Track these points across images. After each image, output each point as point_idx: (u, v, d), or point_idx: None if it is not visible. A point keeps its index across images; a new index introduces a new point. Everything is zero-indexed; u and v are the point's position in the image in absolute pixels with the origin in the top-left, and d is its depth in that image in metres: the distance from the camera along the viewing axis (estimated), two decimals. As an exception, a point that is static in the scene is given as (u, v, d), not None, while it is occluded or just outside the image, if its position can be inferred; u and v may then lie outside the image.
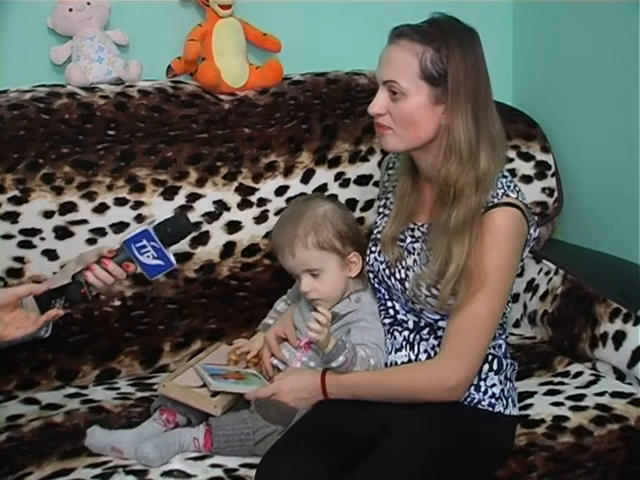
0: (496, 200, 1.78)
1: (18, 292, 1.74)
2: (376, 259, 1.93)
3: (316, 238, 1.91)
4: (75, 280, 1.76)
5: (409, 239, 1.89)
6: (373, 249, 1.95)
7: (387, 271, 1.91)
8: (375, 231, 1.98)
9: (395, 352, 1.89)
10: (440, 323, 1.86)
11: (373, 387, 1.83)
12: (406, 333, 1.90)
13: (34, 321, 1.71)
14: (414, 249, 1.87)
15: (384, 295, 1.95)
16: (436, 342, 1.87)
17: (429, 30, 1.76)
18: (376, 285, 1.96)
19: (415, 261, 1.86)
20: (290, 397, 1.83)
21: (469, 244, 1.75)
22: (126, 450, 1.80)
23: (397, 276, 1.88)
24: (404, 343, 1.89)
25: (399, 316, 1.92)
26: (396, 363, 1.88)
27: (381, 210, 2.01)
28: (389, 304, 1.94)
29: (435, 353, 1.86)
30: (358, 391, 1.82)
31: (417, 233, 1.87)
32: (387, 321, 1.93)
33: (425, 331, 1.88)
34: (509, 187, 1.81)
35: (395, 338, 1.91)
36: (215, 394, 1.86)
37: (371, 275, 1.96)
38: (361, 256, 1.96)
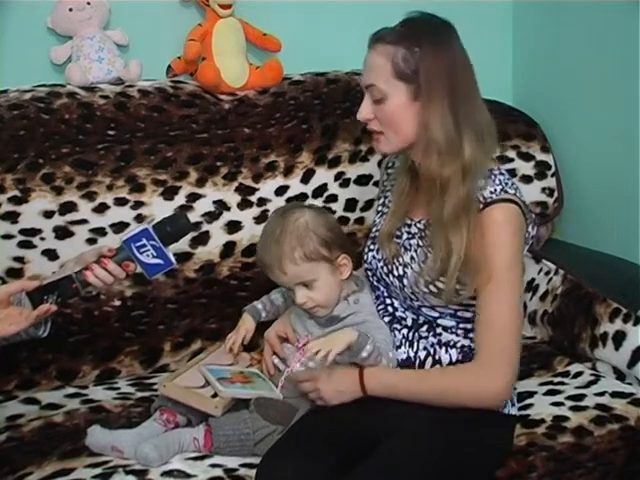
0: (494, 196, 1.78)
1: (10, 289, 1.73)
2: (374, 257, 1.94)
3: (303, 251, 1.88)
4: (69, 275, 1.76)
5: (405, 235, 1.89)
6: (371, 247, 1.95)
7: (385, 268, 1.91)
8: (374, 229, 1.98)
9: (395, 349, 1.89)
10: (439, 321, 1.86)
11: (412, 387, 1.80)
12: (405, 331, 1.90)
13: (26, 317, 1.71)
14: (410, 245, 1.87)
15: (383, 293, 1.95)
16: (435, 340, 1.87)
17: (401, 30, 1.79)
18: (375, 283, 1.96)
19: (412, 258, 1.86)
20: (330, 388, 1.81)
21: (467, 233, 1.75)
22: (126, 450, 1.80)
23: (395, 273, 1.88)
24: (403, 340, 1.89)
25: (398, 313, 1.92)
26: (396, 360, 1.88)
27: (380, 209, 2.01)
28: (388, 301, 1.94)
29: (435, 351, 1.86)
30: (400, 390, 1.80)
31: (413, 229, 1.87)
32: (386, 319, 1.93)
33: (424, 328, 1.88)
34: (507, 184, 1.81)
35: (394, 336, 1.90)
36: (216, 394, 1.86)
37: (369, 273, 1.96)
38: (349, 256, 1.96)
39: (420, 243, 1.86)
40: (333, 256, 1.92)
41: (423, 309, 1.87)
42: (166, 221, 1.80)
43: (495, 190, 1.79)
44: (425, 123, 1.76)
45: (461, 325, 1.87)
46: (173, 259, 1.78)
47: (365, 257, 1.96)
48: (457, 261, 1.76)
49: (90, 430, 1.83)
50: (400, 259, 1.88)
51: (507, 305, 1.76)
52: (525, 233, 1.82)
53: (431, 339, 1.87)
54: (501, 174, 1.83)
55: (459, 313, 1.86)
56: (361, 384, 1.81)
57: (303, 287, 1.90)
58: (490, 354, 1.77)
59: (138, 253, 1.76)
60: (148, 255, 1.76)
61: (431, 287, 1.81)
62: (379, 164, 2.34)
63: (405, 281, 1.86)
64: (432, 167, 1.77)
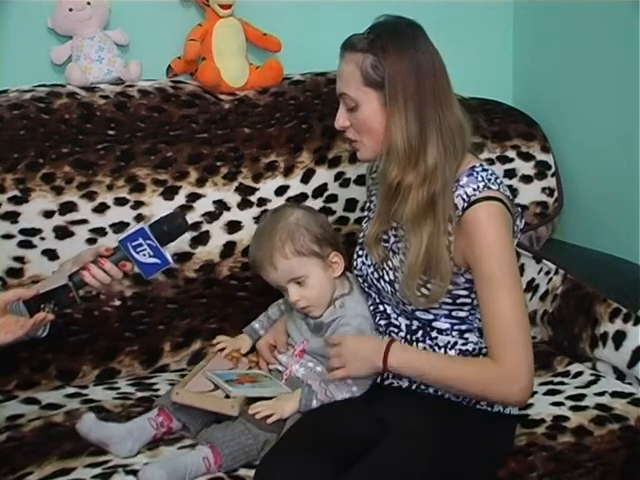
0: (477, 193, 1.77)
1: (6, 297, 1.73)
2: (363, 263, 1.94)
3: (293, 246, 1.91)
4: (65, 283, 1.76)
5: (392, 239, 1.89)
6: (360, 253, 1.95)
7: (375, 274, 1.91)
8: (361, 234, 1.98)
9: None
10: (434, 324, 1.86)
11: (439, 369, 1.78)
12: (402, 334, 1.90)
13: (22, 325, 1.71)
14: (398, 249, 1.87)
15: (375, 299, 1.94)
16: (432, 343, 1.87)
17: (368, 37, 1.80)
18: (366, 289, 1.96)
19: (402, 261, 1.85)
20: (350, 352, 1.81)
21: (429, 234, 1.76)
22: (110, 444, 1.80)
23: (386, 278, 1.88)
24: (402, 341, 1.89)
25: (391, 320, 1.92)
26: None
27: (366, 213, 2.01)
28: (381, 308, 1.94)
29: (434, 352, 1.86)
30: (422, 368, 1.78)
31: (400, 232, 1.87)
32: (383, 322, 1.93)
33: (419, 334, 1.88)
34: (490, 180, 1.80)
35: (392, 338, 1.91)
36: (227, 396, 1.85)
37: (360, 280, 1.96)
38: (341, 255, 1.96)
39: (407, 246, 1.86)
40: (324, 253, 1.94)
41: (417, 312, 1.86)
42: (162, 220, 1.80)
43: (478, 187, 1.78)
44: (388, 129, 1.77)
45: (456, 327, 1.86)
46: (170, 258, 1.78)
47: (355, 263, 1.96)
48: (414, 262, 1.77)
49: (85, 417, 1.83)
50: (389, 263, 1.88)
51: (509, 302, 1.76)
52: (514, 227, 1.82)
53: (428, 342, 1.87)
54: (483, 170, 1.82)
55: (453, 313, 1.85)
56: (385, 356, 1.79)
57: (295, 284, 1.92)
58: (504, 353, 1.75)
59: (135, 253, 1.76)
60: (145, 255, 1.76)
61: (423, 290, 1.80)
62: (379, 164, 2.35)
63: (396, 286, 1.86)
64: (393, 175, 1.77)
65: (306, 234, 1.92)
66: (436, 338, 1.86)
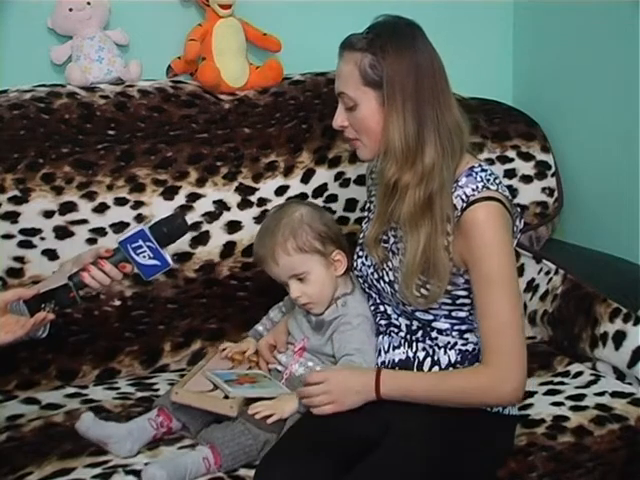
0: (476, 194, 1.77)
1: (6, 297, 1.73)
2: (363, 263, 1.93)
3: (295, 242, 1.91)
4: (66, 283, 1.76)
5: (392, 239, 1.89)
6: (360, 253, 1.95)
7: (375, 274, 1.91)
8: (361, 235, 1.98)
9: (393, 349, 1.89)
10: (434, 324, 1.86)
11: (430, 389, 1.79)
12: (402, 334, 1.90)
13: (22, 325, 1.71)
14: (398, 249, 1.87)
15: (375, 300, 1.94)
16: (432, 343, 1.87)
17: (367, 36, 1.79)
18: (367, 290, 1.96)
19: (401, 262, 1.85)
20: (339, 388, 1.80)
21: (427, 234, 1.76)
22: (110, 443, 1.80)
23: (385, 279, 1.88)
24: (402, 341, 1.89)
25: (392, 320, 1.92)
26: (394, 361, 1.88)
27: (366, 214, 2.01)
28: (381, 308, 1.94)
29: (434, 352, 1.86)
30: (414, 391, 1.79)
31: (399, 233, 1.87)
32: (383, 322, 1.93)
33: (419, 334, 1.88)
34: (488, 180, 1.80)
35: (392, 337, 1.91)
36: (227, 396, 1.85)
37: (360, 280, 1.96)
38: (345, 253, 1.96)
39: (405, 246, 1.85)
40: (327, 251, 1.94)
41: (417, 313, 1.86)
42: (162, 222, 1.80)
43: (477, 187, 1.77)
44: (386, 128, 1.77)
45: (456, 327, 1.86)
46: (170, 260, 1.78)
47: (355, 264, 1.96)
48: (411, 262, 1.77)
49: (84, 416, 1.83)
50: (389, 263, 1.88)
51: (507, 303, 1.76)
52: (513, 227, 1.82)
53: (428, 342, 1.87)
54: (482, 170, 1.82)
55: (453, 313, 1.85)
56: (376, 386, 1.79)
57: (297, 280, 1.93)
58: (499, 354, 1.76)
59: (134, 254, 1.76)
60: (144, 256, 1.76)
61: (422, 290, 1.80)
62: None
63: (396, 286, 1.86)
64: (390, 174, 1.77)
65: (309, 231, 1.93)
66: (436, 338, 1.87)
